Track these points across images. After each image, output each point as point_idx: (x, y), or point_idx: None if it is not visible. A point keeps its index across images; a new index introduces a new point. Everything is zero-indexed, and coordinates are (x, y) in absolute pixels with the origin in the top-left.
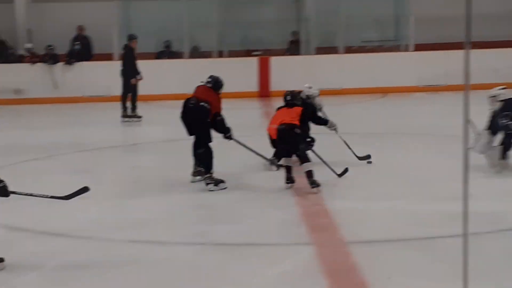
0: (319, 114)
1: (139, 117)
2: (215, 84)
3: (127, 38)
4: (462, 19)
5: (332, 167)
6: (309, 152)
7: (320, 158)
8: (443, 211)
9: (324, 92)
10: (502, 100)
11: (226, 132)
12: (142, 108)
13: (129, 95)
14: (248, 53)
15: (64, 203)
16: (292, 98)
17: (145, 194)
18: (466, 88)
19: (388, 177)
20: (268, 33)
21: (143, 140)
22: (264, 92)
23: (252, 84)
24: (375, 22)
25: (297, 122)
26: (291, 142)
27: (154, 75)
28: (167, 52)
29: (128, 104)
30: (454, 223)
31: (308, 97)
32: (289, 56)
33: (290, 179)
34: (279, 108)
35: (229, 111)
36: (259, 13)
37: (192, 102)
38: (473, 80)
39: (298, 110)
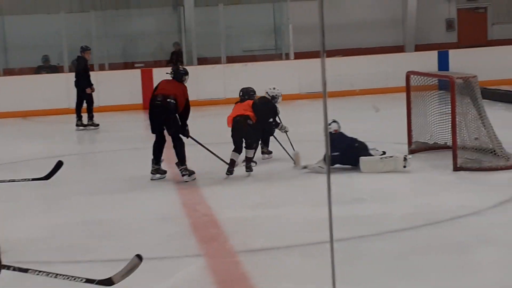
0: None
1: (97, 125)
2: (176, 74)
3: (80, 49)
4: (338, 27)
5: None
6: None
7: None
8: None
9: (207, 103)
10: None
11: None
12: (22, 124)
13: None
14: (130, 66)
15: None
16: (244, 94)
17: (25, 213)
18: (324, 96)
19: (275, 183)
20: (149, 44)
21: (20, 158)
22: (148, 104)
23: (136, 96)
24: (256, 32)
25: (249, 113)
26: (243, 131)
27: (34, 90)
28: (46, 67)
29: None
30: (339, 227)
31: (273, 97)
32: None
33: (230, 172)
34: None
35: (114, 125)
36: (139, 25)
37: (158, 99)
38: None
39: (249, 102)
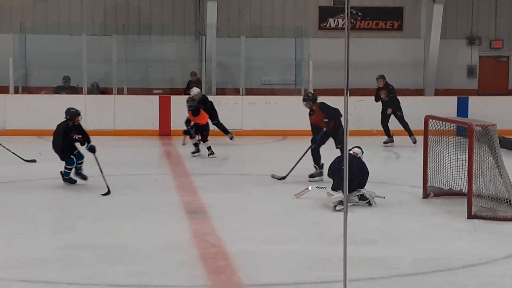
0: None
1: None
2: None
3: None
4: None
5: None
6: None
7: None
8: (339, 254)
9: (223, 134)
10: None
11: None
12: (38, 143)
13: None
14: (148, 91)
15: None
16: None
17: (37, 233)
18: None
19: (286, 219)
20: (169, 71)
21: (38, 177)
22: (164, 130)
23: (153, 122)
24: (276, 65)
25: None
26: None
27: (51, 109)
28: (65, 87)
29: None
30: (349, 267)
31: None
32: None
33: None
34: None
35: (130, 149)
36: (160, 51)
37: None
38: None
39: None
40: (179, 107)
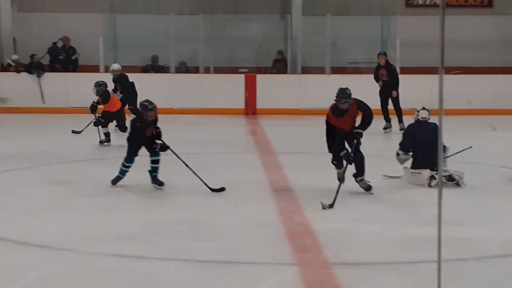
0: None
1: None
2: None
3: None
4: (449, 44)
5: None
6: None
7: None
8: (428, 235)
9: (310, 112)
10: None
11: None
12: (126, 121)
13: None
14: (234, 70)
15: (48, 215)
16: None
17: (127, 208)
18: (440, 113)
19: (374, 198)
20: (254, 50)
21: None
22: (250, 109)
23: (238, 101)
24: (362, 44)
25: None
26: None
27: (140, 89)
28: (153, 66)
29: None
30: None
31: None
32: (275, 75)
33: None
34: None
35: (215, 127)
36: (246, 30)
37: None
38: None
39: None
40: (265, 85)
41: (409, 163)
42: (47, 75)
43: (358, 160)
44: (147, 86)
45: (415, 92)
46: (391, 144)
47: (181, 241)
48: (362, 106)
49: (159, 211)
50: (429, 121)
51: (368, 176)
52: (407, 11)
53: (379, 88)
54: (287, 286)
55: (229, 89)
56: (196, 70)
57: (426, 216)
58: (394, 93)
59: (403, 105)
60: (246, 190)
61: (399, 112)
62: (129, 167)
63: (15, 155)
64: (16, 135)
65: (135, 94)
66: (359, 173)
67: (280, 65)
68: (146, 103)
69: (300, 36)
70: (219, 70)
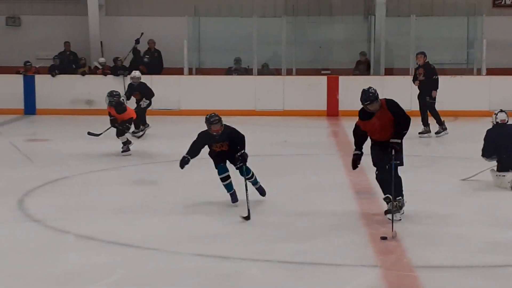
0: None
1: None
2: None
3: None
4: None
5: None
6: None
7: None
8: None
9: None
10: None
11: None
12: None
13: None
14: (316, 72)
15: (133, 216)
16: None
17: (210, 209)
18: None
19: (458, 201)
20: (337, 52)
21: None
22: (332, 111)
23: (321, 102)
24: (447, 45)
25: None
26: None
27: (223, 90)
28: (236, 69)
29: None
30: None
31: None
32: (358, 76)
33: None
34: None
35: (297, 129)
36: (329, 32)
37: None
38: None
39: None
40: (347, 87)
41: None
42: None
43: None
44: (230, 88)
45: (501, 93)
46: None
47: (264, 242)
48: (393, 107)
49: (241, 213)
50: (508, 123)
51: (442, 184)
52: (494, 11)
53: (418, 91)
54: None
55: (311, 91)
56: (278, 72)
57: (509, 219)
58: (434, 93)
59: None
60: (328, 192)
61: (436, 115)
62: (224, 178)
63: (101, 155)
64: (102, 136)
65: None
66: (398, 193)
67: (362, 67)
68: (208, 116)
69: (383, 37)
70: (301, 72)
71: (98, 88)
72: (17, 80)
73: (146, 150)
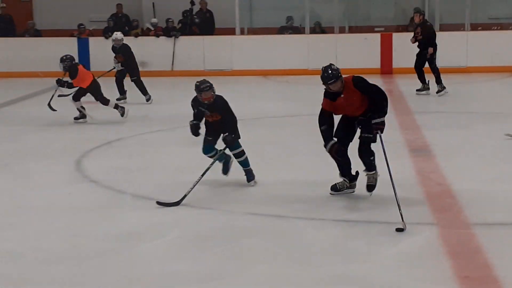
0: None
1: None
2: None
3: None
4: None
5: None
6: None
7: None
8: None
9: (448, 70)
10: None
11: None
12: (262, 83)
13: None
14: (369, 29)
15: (189, 176)
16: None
17: (266, 171)
18: None
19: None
20: (390, 8)
21: (262, 115)
22: (386, 69)
23: (374, 60)
24: None
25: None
26: None
27: (275, 50)
28: (288, 27)
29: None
30: None
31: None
32: (411, 33)
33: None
34: None
35: None
36: None
37: None
38: None
39: None
40: (401, 44)
41: None
42: (184, 39)
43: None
44: (283, 48)
45: None
46: None
47: (317, 201)
48: (361, 84)
49: (293, 173)
50: None
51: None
52: None
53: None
54: (426, 246)
55: (364, 48)
56: (331, 31)
57: None
58: (430, 50)
59: None
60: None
61: (436, 72)
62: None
63: (156, 117)
64: (156, 98)
65: (136, 65)
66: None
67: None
68: (197, 83)
69: None
70: (354, 30)
71: (151, 49)
72: (72, 43)
73: None
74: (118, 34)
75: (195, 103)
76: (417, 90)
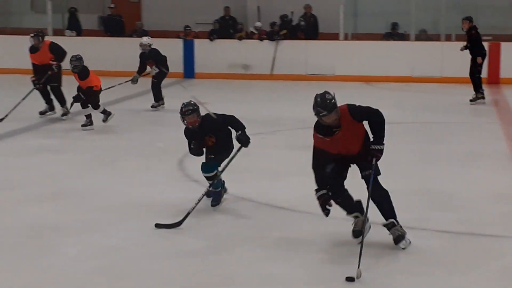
0: None
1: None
2: None
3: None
4: None
5: None
6: None
7: None
8: None
9: None
10: None
11: None
12: (365, 90)
13: None
14: None
15: (289, 179)
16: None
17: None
18: None
19: None
20: (498, 17)
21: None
22: (493, 78)
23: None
24: None
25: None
26: None
27: (379, 56)
28: (393, 34)
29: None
30: None
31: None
32: None
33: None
34: None
35: (455, 96)
36: None
37: None
38: None
39: None
40: (510, 53)
41: None
42: (287, 43)
43: (381, 197)
44: (387, 54)
45: None
46: None
47: (420, 211)
48: (358, 112)
49: (391, 178)
50: None
51: None
52: None
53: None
54: None
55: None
56: (437, 38)
57: None
58: (479, 60)
59: None
60: (487, 161)
61: (474, 82)
62: (208, 177)
63: (258, 119)
64: (257, 101)
65: (167, 69)
66: (388, 213)
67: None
68: (182, 106)
69: None
70: (461, 38)
71: (254, 53)
72: (177, 44)
73: (299, 115)
74: (144, 39)
75: (188, 133)
76: (470, 101)
